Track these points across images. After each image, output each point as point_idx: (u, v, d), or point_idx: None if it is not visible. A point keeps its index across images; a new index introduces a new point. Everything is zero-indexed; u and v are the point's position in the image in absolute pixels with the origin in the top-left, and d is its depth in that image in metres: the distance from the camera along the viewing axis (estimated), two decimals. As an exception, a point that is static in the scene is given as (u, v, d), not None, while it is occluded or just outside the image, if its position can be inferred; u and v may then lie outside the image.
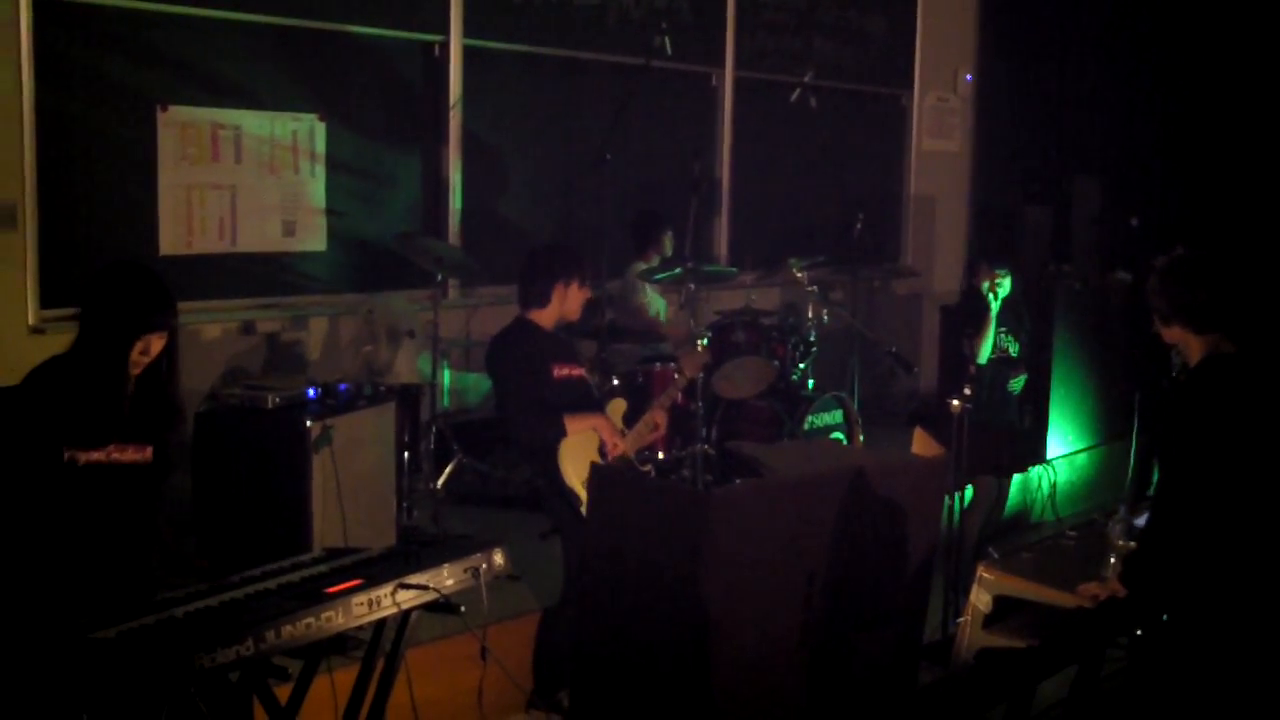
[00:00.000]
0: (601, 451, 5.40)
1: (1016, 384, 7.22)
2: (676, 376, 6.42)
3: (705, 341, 6.94)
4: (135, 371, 3.89)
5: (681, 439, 7.33)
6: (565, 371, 5.48)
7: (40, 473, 3.76)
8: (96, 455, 3.82)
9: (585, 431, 5.36)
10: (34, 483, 3.77)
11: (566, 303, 5.53)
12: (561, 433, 5.27)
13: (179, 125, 6.78)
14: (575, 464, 5.27)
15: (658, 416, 5.90)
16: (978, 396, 6.41)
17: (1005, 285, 6.70)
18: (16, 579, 3.78)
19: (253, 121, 7.07)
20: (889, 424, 9.47)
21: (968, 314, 6.82)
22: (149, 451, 3.95)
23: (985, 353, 6.65)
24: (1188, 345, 4.26)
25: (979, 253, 7.03)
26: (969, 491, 6.80)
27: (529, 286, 5.54)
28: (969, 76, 11.68)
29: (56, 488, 3.77)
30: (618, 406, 5.62)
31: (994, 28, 11.69)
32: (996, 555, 5.52)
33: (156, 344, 3.89)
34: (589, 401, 5.60)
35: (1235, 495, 4.08)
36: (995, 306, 6.62)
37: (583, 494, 5.22)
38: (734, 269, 8.63)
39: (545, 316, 5.51)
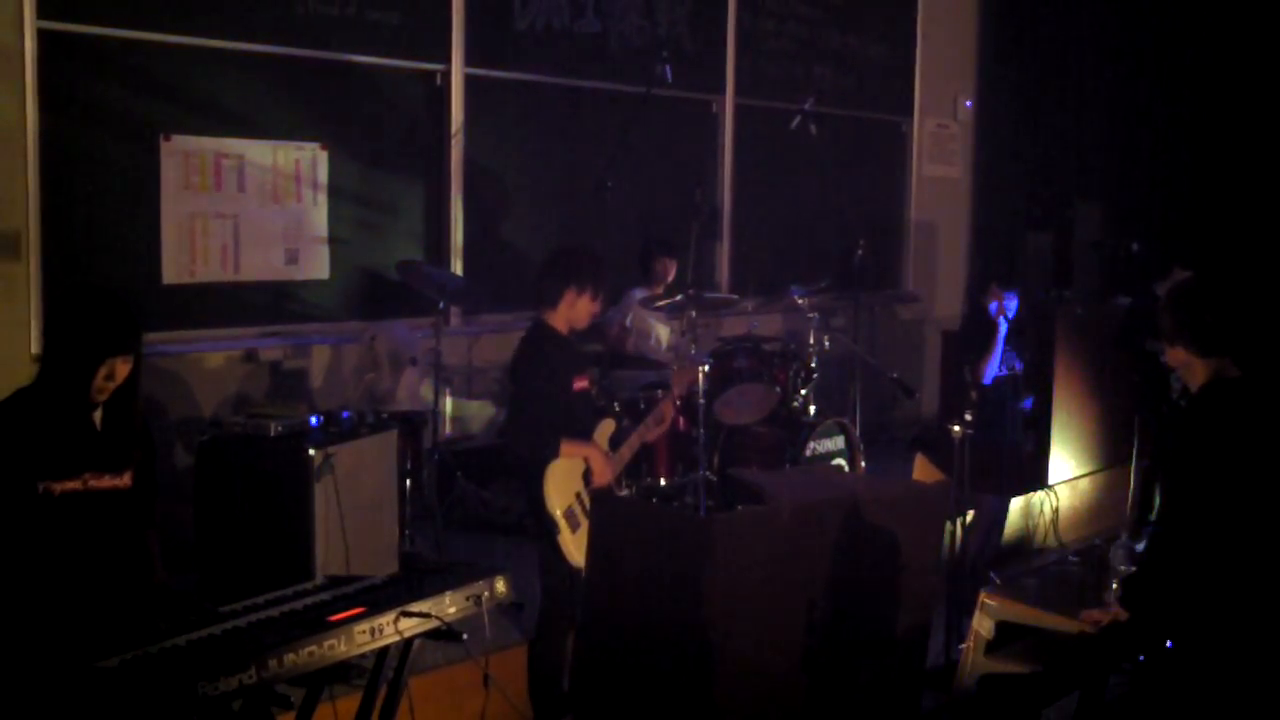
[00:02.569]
0: (586, 478, 5.36)
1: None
2: (663, 393, 6.31)
3: (706, 369, 6.93)
4: (102, 397, 3.85)
5: (683, 466, 7.33)
6: (581, 384, 5.46)
7: (13, 505, 3.74)
8: (72, 484, 3.80)
9: (571, 458, 5.31)
10: (9, 516, 3.75)
11: (575, 310, 5.37)
12: (555, 455, 5.22)
13: (182, 154, 6.81)
14: (559, 489, 5.20)
15: (639, 438, 5.84)
16: (982, 415, 6.42)
17: (1012, 307, 6.73)
18: (7, 610, 3.77)
19: (256, 151, 7.10)
20: (891, 450, 9.47)
21: (972, 336, 6.82)
22: (126, 477, 3.93)
23: (991, 373, 6.66)
24: (1191, 368, 4.26)
25: (987, 275, 7.02)
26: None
27: (541, 286, 5.41)
28: (969, 103, 11.72)
29: (33, 519, 3.75)
30: (606, 427, 5.56)
31: (994, 54, 11.73)
32: (999, 581, 5.53)
33: (122, 368, 3.84)
34: (593, 416, 5.56)
35: (1238, 520, 4.08)
36: (1004, 328, 6.63)
37: (561, 521, 5.16)
38: (735, 296, 8.63)
39: (557, 319, 5.38)
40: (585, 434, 5.40)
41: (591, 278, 5.39)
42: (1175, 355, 4.30)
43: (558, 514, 5.15)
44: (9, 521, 3.75)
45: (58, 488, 3.76)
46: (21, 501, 3.74)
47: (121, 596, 3.91)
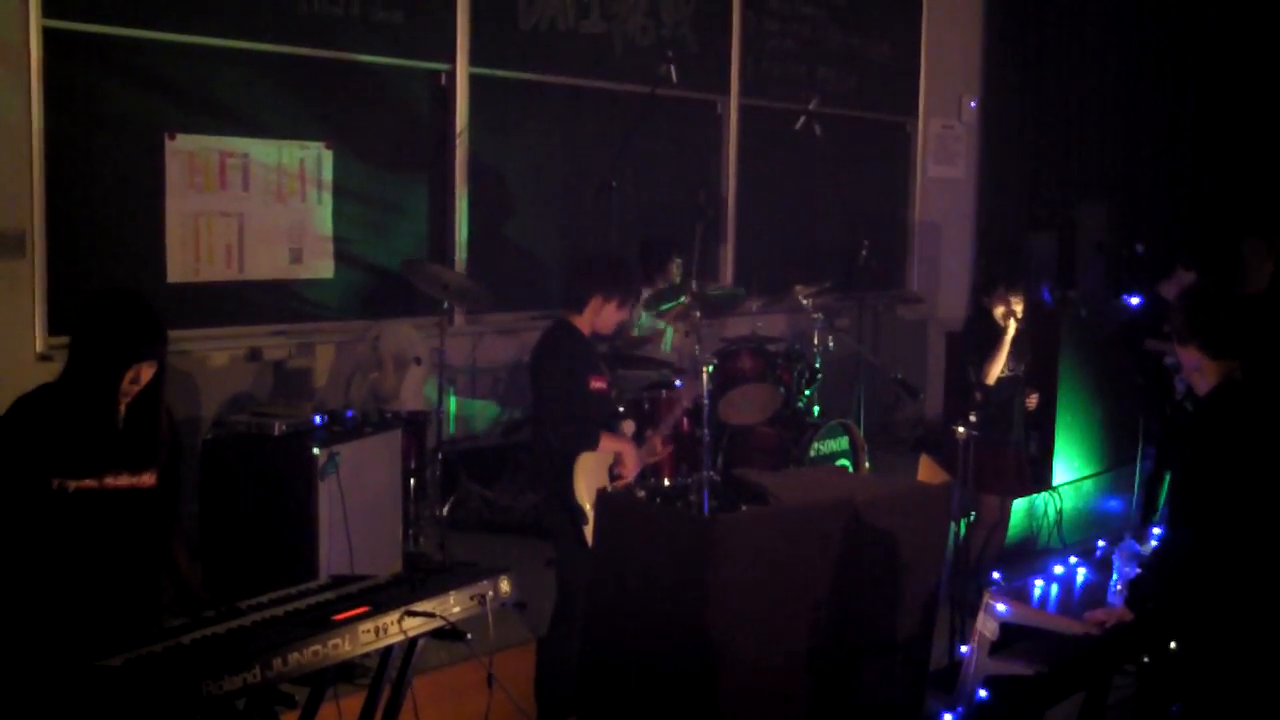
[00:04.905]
0: (611, 474, 5.39)
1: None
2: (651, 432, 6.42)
3: (710, 369, 6.94)
4: (125, 400, 3.88)
5: (688, 465, 7.33)
6: (598, 384, 5.48)
7: (28, 501, 3.75)
8: (88, 482, 3.81)
9: (607, 452, 5.35)
10: (22, 511, 3.76)
11: (600, 316, 5.44)
12: (594, 446, 5.26)
13: (187, 153, 6.82)
14: (587, 481, 5.25)
15: (657, 442, 5.89)
16: (986, 416, 6.42)
17: (1019, 310, 6.75)
18: (17, 607, 3.77)
19: (260, 149, 7.10)
20: (895, 450, 9.48)
21: (976, 337, 6.81)
22: (147, 477, 3.94)
23: (995, 374, 6.66)
24: (1202, 369, 4.25)
25: (993, 278, 6.99)
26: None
27: (569, 288, 5.50)
28: (974, 103, 11.71)
29: (47, 516, 3.76)
30: (628, 428, 5.61)
31: (999, 55, 11.72)
32: (1003, 582, 5.52)
33: (146, 372, 3.87)
34: (611, 417, 5.60)
35: (1244, 522, 4.08)
36: (1013, 330, 6.64)
37: (590, 512, 5.20)
38: (741, 290, 8.61)
39: (582, 323, 5.45)
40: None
41: (621, 287, 5.47)
42: (1187, 356, 4.30)
43: (587, 506, 5.18)
44: (21, 516, 3.75)
45: (72, 484, 3.77)
46: (35, 496, 3.74)
47: (139, 596, 3.91)
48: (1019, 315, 6.70)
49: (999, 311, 6.73)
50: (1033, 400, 7.11)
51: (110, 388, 3.81)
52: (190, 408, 6.78)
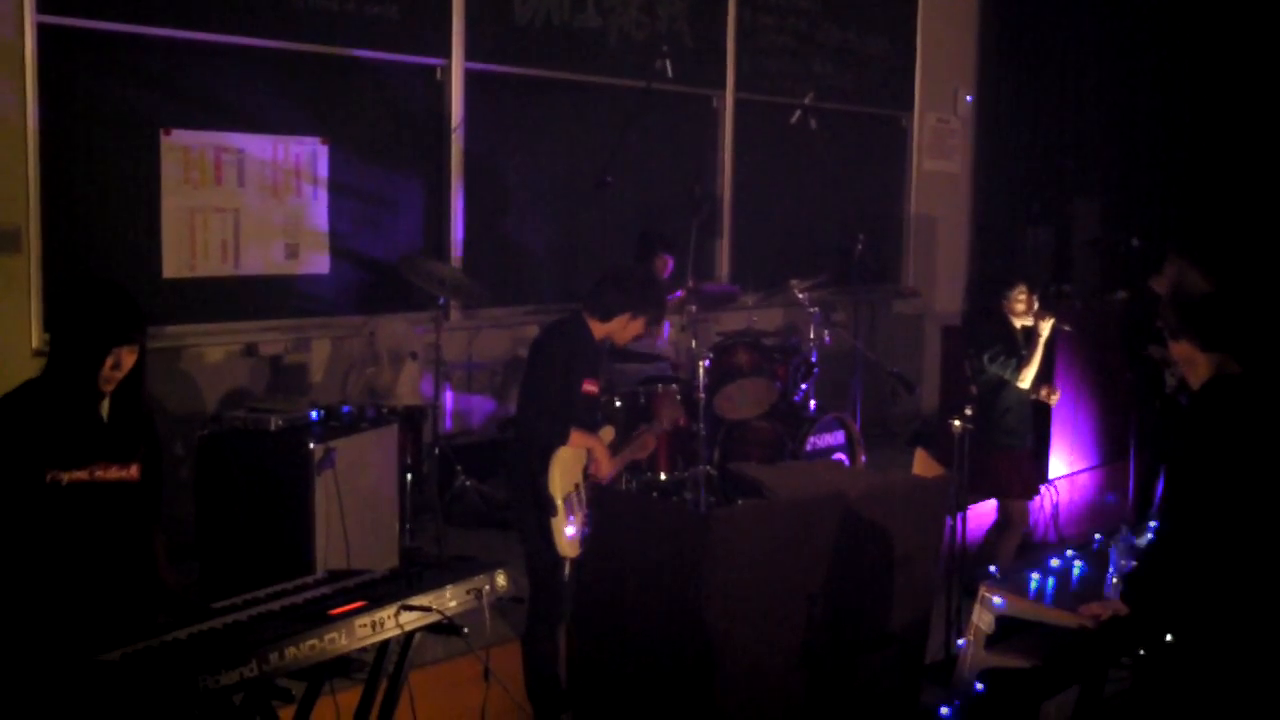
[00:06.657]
0: (585, 472, 5.42)
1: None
2: (650, 425, 6.45)
3: (706, 357, 6.95)
4: (109, 387, 3.89)
5: (684, 460, 7.34)
6: (590, 387, 5.51)
7: (22, 495, 3.76)
8: (80, 474, 3.82)
9: (580, 449, 5.38)
10: (16, 505, 3.77)
11: (624, 330, 5.57)
12: (564, 442, 5.29)
13: (182, 149, 6.81)
14: (562, 475, 5.30)
15: (649, 439, 5.97)
16: (1005, 420, 6.43)
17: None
18: (14, 600, 3.78)
19: (256, 145, 7.09)
20: (891, 444, 9.49)
21: (988, 336, 6.74)
22: (133, 469, 3.95)
23: (1030, 377, 6.61)
24: (1194, 363, 4.25)
25: (1012, 275, 6.88)
26: (999, 514, 6.81)
27: (600, 296, 5.55)
28: (969, 97, 11.71)
29: (41, 509, 3.77)
30: (606, 434, 5.63)
31: (994, 49, 11.73)
32: (999, 575, 5.53)
33: (128, 358, 3.88)
34: (594, 421, 5.63)
35: (1240, 516, 4.09)
36: (1047, 331, 6.58)
37: (560, 505, 5.23)
38: (735, 288, 8.61)
39: (599, 329, 5.53)
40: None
41: (653, 308, 5.59)
42: (1179, 350, 4.30)
43: (557, 499, 5.20)
44: (16, 511, 3.76)
45: (65, 477, 3.78)
46: (29, 491, 3.75)
47: (124, 591, 3.92)
48: (1042, 328, 6.60)
49: (1021, 310, 6.64)
50: (1054, 397, 7.01)
51: (92, 373, 3.82)
52: (186, 403, 6.78)
